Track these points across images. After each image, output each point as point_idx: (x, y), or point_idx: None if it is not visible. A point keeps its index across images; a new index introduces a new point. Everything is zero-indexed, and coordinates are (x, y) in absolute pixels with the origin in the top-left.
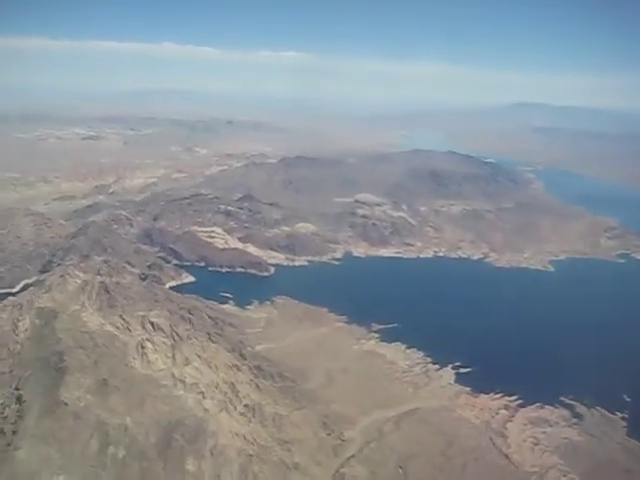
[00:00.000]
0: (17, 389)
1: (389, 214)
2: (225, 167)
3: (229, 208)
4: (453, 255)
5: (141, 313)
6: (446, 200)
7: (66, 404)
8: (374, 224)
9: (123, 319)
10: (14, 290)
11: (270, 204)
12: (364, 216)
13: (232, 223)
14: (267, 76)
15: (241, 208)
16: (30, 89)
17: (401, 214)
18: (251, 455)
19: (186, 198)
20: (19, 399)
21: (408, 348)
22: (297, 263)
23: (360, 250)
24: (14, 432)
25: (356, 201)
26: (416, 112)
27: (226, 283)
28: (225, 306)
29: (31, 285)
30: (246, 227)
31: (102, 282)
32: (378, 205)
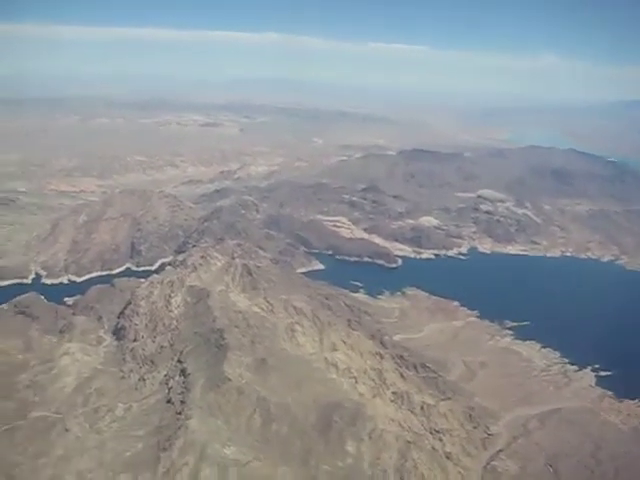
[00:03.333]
0: (180, 362)
1: (513, 211)
2: (344, 158)
3: (353, 198)
4: (582, 256)
5: (283, 297)
6: (570, 199)
7: (230, 380)
8: (498, 220)
9: (267, 301)
10: (153, 268)
11: (394, 196)
12: (488, 212)
13: (357, 213)
14: (375, 68)
15: (365, 199)
16: (145, 76)
17: (525, 211)
18: (409, 442)
19: (310, 187)
20: (183, 372)
21: (543, 347)
22: (423, 256)
23: (485, 246)
24: (182, 402)
25: (478, 196)
26: (524, 107)
27: (355, 272)
28: (357, 295)
29: (168, 264)
30: (370, 218)
31: (245, 264)
32: (501, 201)
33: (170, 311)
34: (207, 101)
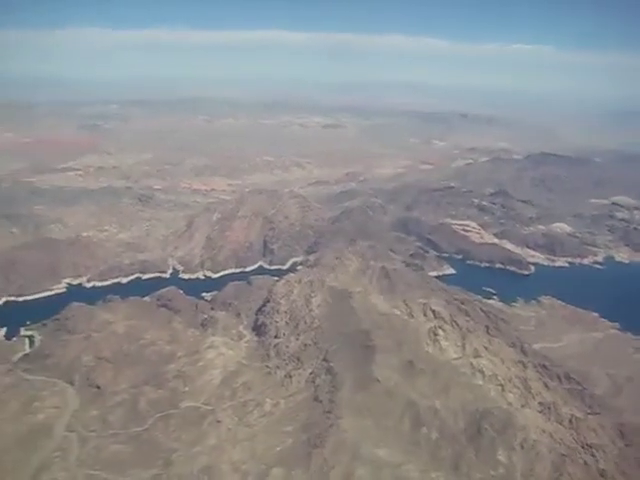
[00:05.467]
0: (326, 361)
1: None
2: (470, 161)
3: (483, 203)
4: None
5: (422, 300)
6: None
7: (378, 381)
8: (636, 229)
9: (406, 304)
10: (284, 267)
11: (523, 201)
12: (624, 220)
13: (486, 218)
14: (493, 69)
15: (494, 203)
16: (268, 78)
17: None
18: (564, 455)
19: (438, 190)
20: (330, 371)
21: None
22: (557, 264)
23: (623, 255)
24: (331, 401)
25: (613, 203)
26: None
27: (487, 278)
28: (490, 301)
29: (300, 264)
30: (501, 223)
31: (383, 267)
32: (637, 209)
33: (311, 310)
34: (327, 103)
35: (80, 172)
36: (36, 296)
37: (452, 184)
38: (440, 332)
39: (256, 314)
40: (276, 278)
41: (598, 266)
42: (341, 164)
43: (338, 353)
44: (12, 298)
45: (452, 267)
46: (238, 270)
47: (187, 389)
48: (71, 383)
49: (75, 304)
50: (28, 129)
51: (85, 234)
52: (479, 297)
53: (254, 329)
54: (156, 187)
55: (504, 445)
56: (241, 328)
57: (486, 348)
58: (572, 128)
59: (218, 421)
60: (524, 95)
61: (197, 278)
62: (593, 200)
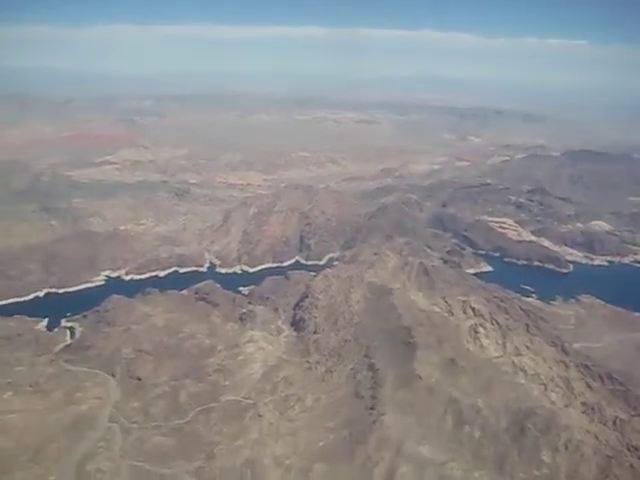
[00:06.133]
0: (367, 357)
1: None
2: (507, 158)
3: (520, 200)
4: None
5: (461, 298)
6: None
7: (420, 378)
8: None
9: (446, 302)
10: (321, 262)
11: (561, 198)
12: None
13: (523, 215)
14: (532, 64)
15: (531, 201)
16: (298, 74)
17: None
18: (609, 456)
19: (475, 187)
20: (371, 367)
21: None
22: (596, 262)
23: None
24: (372, 397)
25: None
26: None
27: (525, 276)
28: (529, 299)
29: (336, 259)
30: (538, 220)
31: (421, 263)
32: None
33: (350, 306)
34: (360, 98)
35: (117, 166)
36: (76, 288)
37: (488, 181)
38: (480, 330)
39: (294, 309)
40: (313, 273)
41: (639, 265)
42: (376, 160)
43: (379, 349)
44: (53, 290)
45: (489, 264)
46: (275, 265)
47: (227, 383)
48: (112, 374)
49: (115, 296)
50: (66, 124)
51: (123, 227)
52: (518, 295)
53: (292, 324)
54: (192, 181)
55: (548, 445)
56: (279, 323)
57: (527, 347)
58: (608, 124)
59: (259, 415)
60: (557, 90)
61: (234, 272)
62: (632, 198)
